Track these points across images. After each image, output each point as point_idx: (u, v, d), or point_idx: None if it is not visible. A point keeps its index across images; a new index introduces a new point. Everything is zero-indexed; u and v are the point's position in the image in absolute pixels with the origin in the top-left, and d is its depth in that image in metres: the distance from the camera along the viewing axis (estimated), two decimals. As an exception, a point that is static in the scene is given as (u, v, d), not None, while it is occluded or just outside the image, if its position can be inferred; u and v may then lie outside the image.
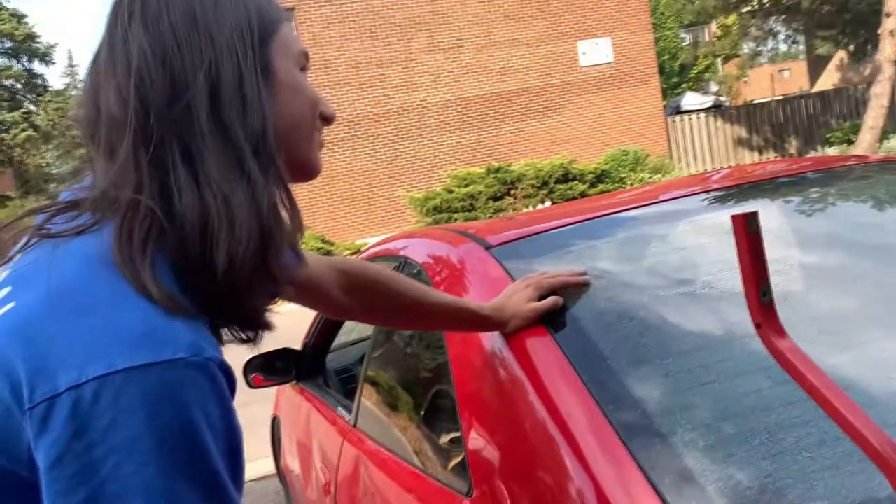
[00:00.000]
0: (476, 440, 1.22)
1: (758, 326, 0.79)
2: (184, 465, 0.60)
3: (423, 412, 1.61)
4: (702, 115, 17.10)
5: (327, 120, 0.83)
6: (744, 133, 17.29)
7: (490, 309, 1.24)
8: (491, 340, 1.26)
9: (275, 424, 3.55)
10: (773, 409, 1.00)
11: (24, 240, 0.70)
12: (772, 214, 1.49)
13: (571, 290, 1.27)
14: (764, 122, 17.49)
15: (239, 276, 0.68)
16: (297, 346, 2.68)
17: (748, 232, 0.78)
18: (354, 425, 1.93)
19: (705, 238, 1.44)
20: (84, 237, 0.67)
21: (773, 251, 0.85)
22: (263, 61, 0.73)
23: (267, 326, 0.76)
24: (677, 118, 16.82)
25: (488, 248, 1.49)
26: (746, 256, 0.78)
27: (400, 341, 1.89)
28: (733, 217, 0.79)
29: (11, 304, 0.64)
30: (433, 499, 1.35)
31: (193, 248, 0.67)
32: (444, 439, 1.41)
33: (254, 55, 0.72)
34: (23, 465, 0.61)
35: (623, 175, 13.29)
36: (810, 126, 17.56)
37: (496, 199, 12.40)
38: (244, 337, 0.77)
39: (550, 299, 1.23)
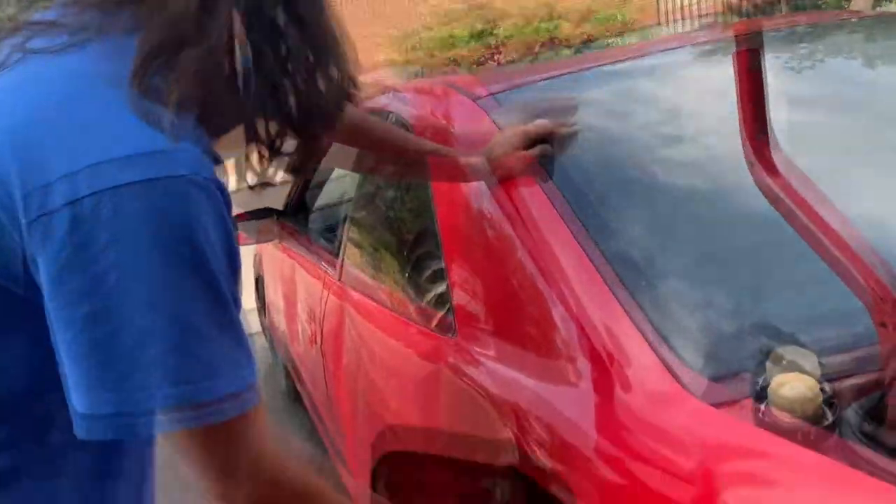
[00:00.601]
0: (461, 281, 1.24)
1: (751, 164, 0.78)
2: (189, 278, 0.60)
3: (407, 259, 1.62)
4: (692, -22, 16.53)
5: None
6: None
7: (478, 157, 1.24)
8: (478, 185, 1.26)
9: (258, 283, 3.60)
10: (759, 252, 1.01)
11: (2, 58, 0.67)
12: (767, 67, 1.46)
13: (560, 138, 1.25)
14: (755, -13, 16.99)
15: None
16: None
17: (749, 69, 0.76)
18: (339, 279, 1.95)
19: (699, 89, 1.41)
20: (75, 54, 0.64)
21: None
22: None
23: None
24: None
25: (476, 99, 1.46)
26: (746, 94, 0.77)
27: (382, 203, 1.88)
28: (736, 53, 0.77)
29: None
30: (417, 340, 1.38)
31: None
32: (429, 289, 1.43)
33: None
34: (18, 281, 0.61)
35: (609, 41, 12.81)
36: (802, -8, 17.09)
37: (478, 38, 11.90)
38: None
39: (538, 147, 1.22)
